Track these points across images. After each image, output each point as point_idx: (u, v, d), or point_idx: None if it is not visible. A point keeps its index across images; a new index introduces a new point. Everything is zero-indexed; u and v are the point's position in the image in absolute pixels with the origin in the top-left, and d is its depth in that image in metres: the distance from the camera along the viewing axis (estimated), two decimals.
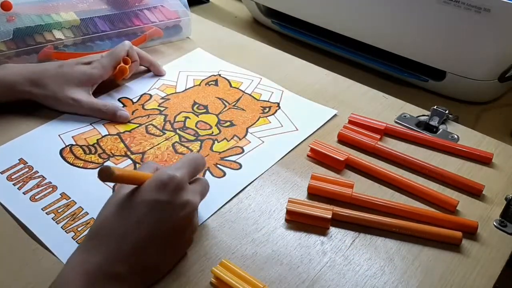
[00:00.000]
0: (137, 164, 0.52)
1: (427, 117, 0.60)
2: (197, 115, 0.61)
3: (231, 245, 0.44)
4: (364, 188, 0.50)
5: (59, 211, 0.46)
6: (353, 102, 0.64)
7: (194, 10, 0.92)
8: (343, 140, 0.57)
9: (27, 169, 0.51)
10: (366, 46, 0.76)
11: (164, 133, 0.57)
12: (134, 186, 0.39)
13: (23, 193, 0.48)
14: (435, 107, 0.60)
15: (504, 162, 0.55)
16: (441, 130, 0.59)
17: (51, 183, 0.49)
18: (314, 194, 0.49)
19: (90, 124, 0.58)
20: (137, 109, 0.61)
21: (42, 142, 0.55)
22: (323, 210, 0.46)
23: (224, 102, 0.63)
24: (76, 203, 0.47)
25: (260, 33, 0.91)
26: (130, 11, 0.73)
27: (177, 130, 0.58)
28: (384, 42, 0.73)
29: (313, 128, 0.59)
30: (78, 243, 0.43)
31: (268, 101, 0.63)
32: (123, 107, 0.61)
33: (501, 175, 0.53)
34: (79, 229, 0.45)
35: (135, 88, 0.65)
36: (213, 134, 0.58)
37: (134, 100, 0.63)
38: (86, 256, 0.37)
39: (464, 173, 0.53)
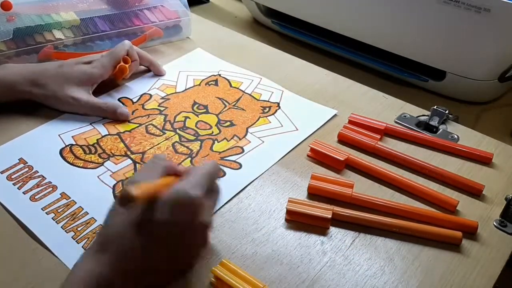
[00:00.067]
0: (137, 164, 0.52)
1: (427, 117, 0.60)
2: (197, 115, 0.61)
3: (231, 245, 0.44)
4: (364, 188, 0.50)
5: (59, 211, 0.46)
6: (353, 102, 0.64)
7: (194, 10, 0.92)
8: (343, 140, 0.57)
9: (27, 169, 0.51)
10: (366, 46, 0.76)
11: (164, 133, 0.57)
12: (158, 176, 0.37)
13: (23, 192, 0.48)
14: (435, 107, 0.60)
15: (504, 162, 0.55)
16: (441, 130, 0.59)
17: (51, 183, 0.49)
18: (314, 194, 0.49)
19: (90, 124, 0.58)
20: (137, 109, 0.61)
21: (42, 142, 0.55)
22: (323, 210, 0.46)
23: (224, 102, 0.63)
24: (76, 203, 0.47)
25: (260, 33, 0.91)
26: (130, 11, 0.73)
27: (177, 130, 0.58)
28: (384, 42, 0.73)
29: (313, 128, 0.59)
30: (78, 243, 0.43)
31: (268, 101, 0.63)
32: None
33: (501, 175, 0.53)
34: (79, 229, 0.45)
35: (135, 88, 0.65)
36: (213, 134, 0.58)
37: (134, 100, 0.63)
38: (94, 263, 0.35)
39: (464, 173, 0.53)
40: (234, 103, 0.63)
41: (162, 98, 0.64)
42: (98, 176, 0.51)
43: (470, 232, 0.45)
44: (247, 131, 0.58)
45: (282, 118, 0.60)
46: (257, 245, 0.44)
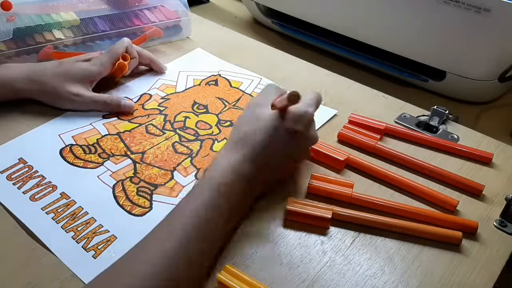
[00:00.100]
0: (137, 164, 0.52)
1: (427, 117, 0.60)
2: (197, 115, 0.61)
3: (231, 245, 0.44)
4: (364, 188, 0.50)
5: (59, 210, 0.46)
6: (353, 102, 0.64)
7: (194, 10, 0.92)
8: (343, 140, 0.57)
9: (27, 168, 0.51)
10: (366, 46, 0.76)
11: (164, 133, 0.57)
12: (272, 105, 0.47)
13: (23, 192, 0.48)
14: (435, 107, 0.60)
15: (504, 162, 0.55)
16: (441, 130, 0.59)
17: (51, 182, 0.49)
18: (314, 194, 0.49)
19: (90, 123, 0.58)
20: (137, 109, 0.61)
21: (42, 142, 0.55)
22: (323, 210, 0.46)
23: (224, 102, 0.63)
24: (76, 202, 0.47)
25: (260, 33, 0.91)
26: (130, 11, 0.73)
27: (177, 130, 0.58)
28: (384, 42, 0.73)
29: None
30: (78, 243, 0.43)
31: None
32: None
33: (501, 175, 0.53)
34: (79, 228, 0.45)
35: (135, 88, 0.65)
36: (213, 134, 0.58)
37: (134, 100, 0.63)
38: (231, 155, 0.45)
39: (464, 173, 0.53)
40: (234, 103, 0.63)
41: (162, 98, 0.64)
42: (98, 176, 0.51)
43: (470, 232, 0.45)
44: None
45: None
46: (257, 245, 0.44)
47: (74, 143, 0.55)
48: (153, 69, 0.69)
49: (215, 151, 0.55)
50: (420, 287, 0.41)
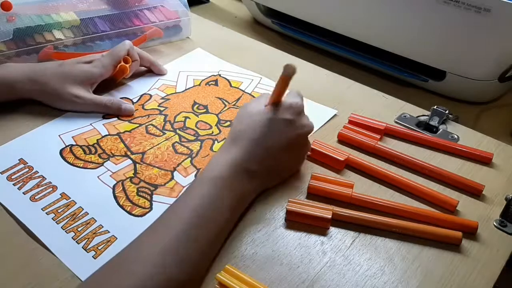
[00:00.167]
0: (137, 164, 0.52)
1: (427, 117, 0.60)
2: (197, 115, 0.61)
3: (230, 245, 0.44)
4: (364, 188, 0.50)
5: (59, 211, 0.46)
6: (353, 102, 0.64)
7: (194, 10, 0.92)
8: (343, 140, 0.57)
9: (27, 169, 0.51)
10: (366, 46, 0.76)
11: (164, 133, 0.57)
12: (263, 104, 0.49)
13: (23, 193, 0.48)
14: (435, 107, 0.60)
15: (504, 162, 0.55)
16: (441, 130, 0.59)
17: (51, 183, 0.49)
18: (314, 194, 0.49)
19: (90, 124, 0.58)
20: (137, 109, 0.61)
21: (42, 142, 0.55)
22: (323, 210, 0.46)
23: (224, 102, 0.63)
24: (76, 203, 0.47)
25: (260, 33, 0.91)
26: (130, 11, 0.73)
27: (177, 130, 0.58)
28: (384, 42, 0.73)
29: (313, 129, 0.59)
30: (78, 243, 0.43)
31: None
32: None
33: (501, 175, 0.53)
34: (79, 229, 0.45)
35: (135, 88, 0.65)
36: (213, 134, 0.58)
37: (134, 100, 0.63)
38: (230, 153, 0.46)
39: (464, 173, 0.53)
40: (234, 103, 0.63)
41: (162, 98, 0.64)
42: (98, 176, 0.51)
43: (470, 232, 0.45)
44: None
45: None
46: (257, 245, 0.44)
47: (74, 143, 0.55)
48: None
49: (215, 151, 0.55)
50: (420, 287, 0.41)
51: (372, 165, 0.52)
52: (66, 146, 0.54)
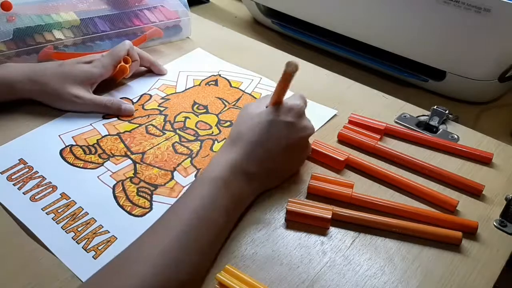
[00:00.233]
0: (137, 164, 0.52)
1: (427, 117, 0.60)
2: (197, 115, 0.61)
3: (230, 245, 0.44)
4: (364, 188, 0.50)
5: (59, 211, 0.46)
6: (353, 102, 0.64)
7: (194, 10, 0.92)
8: (343, 140, 0.57)
9: (27, 169, 0.51)
10: (366, 46, 0.76)
11: (164, 133, 0.57)
12: (264, 106, 0.49)
13: (23, 193, 0.48)
14: (435, 107, 0.60)
15: (504, 162, 0.55)
16: (441, 130, 0.59)
17: (51, 183, 0.49)
18: (314, 194, 0.49)
19: (90, 124, 0.58)
20: (137, 109, 0.61)
21: (42, 142, 0.55)
22: (323, 210, 0.46)
23: (224, 102, 0.63)
24: (76, 203, 0.47)
25: (260, 33, 0.91)
26: (130, 11, 0.73)
27: (177, 130, 0.58)
28: (384, 42, 0.73)
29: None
30: (78, 243, 0.43)
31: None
32: None
33: (501, 175, 0.53)
34: (79, 229, 0.45)
35: (135, 88, 0.65)
36: (213, 134, 0.58)
37: (134, 100, 0.63)
38: (229, 153, 0.46)
39: (464, 173, 0.53)
40: (234, 103, 0.63)
41: (162, 98, 0.64)
42: (98, 177, 0.51)
43: (470, 232, 0.45)
44: None
45: None
46: (257, 245, 0.44)
47: (74, 143, 0.55)
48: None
49: (215, 152, 0.55)
50: (420, 287, 0.41)
51: (372, 165, 0.52)
52: (66, 146, 0.54)
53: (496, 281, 0.42)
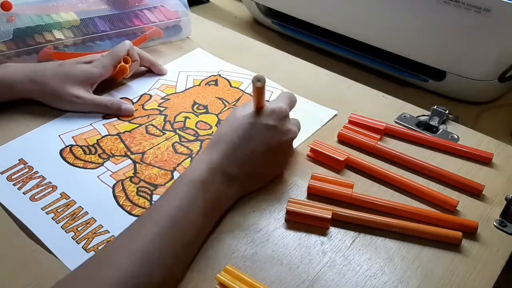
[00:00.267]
0: (137, 164, 0.52)
1: (427, 117, 0.60)
2: (197, 115, 0.61)
3: (230, 245, 0.44)
4: (364, 188, 0.50)
5: (59, 210, 0.46)
6: (353, 102, 0.64)
7: (194, 10, 0.92)
8: (343, 140, 0.57)
9: (27, 169, 0.51)
10: (366, 46, 0.76)
11: (164, 133, 0.57)
12: (250, 110, 0.48)
13: (23, 193, 0.48)
14: (435, 107, 0.60)
15: (504, 162, 0.55)
16: (441, 130, 0.59)
17: (51, 183, 0.49)
18: (314, 194, 0.49)
19: (90, 124, 0.58)
20: (137, 109, 0.61)
21: (42, 143, 0.55)
22: (323, 210, 0.46)
23: (224, 102, 0.63)
24: (76, 203, 0.47)
25: (260, 33, 0.91)
26: (130, 11, 0.73)
27: (177, 130, 0.58)
28: (384, 42, 0.73)
29: (313, 128, 0.59)
30: (78, 243, 0.43)
31: (268, 101, 0.63)
32: None
33: (501, 175, 0.53)
34: (79, 229, 0.45)
35: (135, 88, 0.65)
36: (213, 134, 0.57)
37: (134, 100, 0.63)
38: (210, 155, 0.46)
39: (464, 173, 0.53)
40: (234, 103, 0.63)
41: (162, 98, 0.64)
42: (98, 176, 0.51)
43: (470, 232, 0.45)
44: None
45: None
46: (257, 246, 0.44)
47: (74, 143, 0.55)
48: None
49: None
50: (420, 287, 0.41)
51: (372, 165, 0.52)
52: (66, 146, 0.54)
53: (496, 281, 0.42)
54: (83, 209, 0.47)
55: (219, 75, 0.69)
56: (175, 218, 0.40)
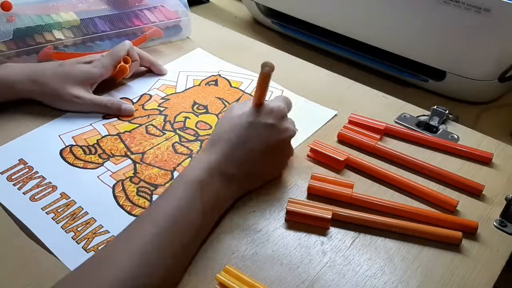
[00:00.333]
0: (137, 164, 0.52)
1: (427, 117, 0.60)
2: (197, 115, 0.61)
3: (231, 245, 0.44)
4: (364, 188, 0.50)
5: (59, 210, 0.46)
6: (353, 102, 0.64)
7: (194, 10, 0.92)
8: (343, 140, 0.57)
9: (27, 169, 0.51)
10: (366, 46, 0.76)
11: (164, 133, 0.57)
12: (247, 108, 0.48)
13: (23, 193, 0.48)
14: (435, 107, 0.60)
15: (504, 162, 0.55)
16: (441, 130, 0.59)
17: (51, 183, 0.49)
18: (314, 194, 0.49)
19: (90, 124, 0.58)
20: (137, 110, 0.61)
21: (42, 143, 0.55)
22: (323, 210, 0.46)
23: (224, 102, 0.63)
24: (76, 203, 0.47)
25: (260, 33, 0.91)
26: (130, 11, 0.73)
27: (177, 130, 0.58)
28: (384, 42, 0.73)
29: (313, 128, 0.59)
30: (78, 243, 0.43)
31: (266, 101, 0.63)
32: None
33: (501, 175, 0.53)
34: (79, 229, 0.45)
35: (135, 88, 0.65)
36: (212, 133, 0.57)
37: (134, 101, 0.63)
38: (208, 155, 0.45)
39: (464, 173, 0.53)
40: (234, 103, 0.63)
41: (162, 98, 0.64)
42: (98, 176, 0.51)
43: (470, 232, 0.45)
44: None
45: None
46: (257, 246, 0.44)
47: (74, 143, 0.55)
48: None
49: None
50: (420, 287, 0.41)
51: (372, 165, 0.52)
52: (66, 146, 0.54)
53: (496, 281, 0.42)
54: (83, 209, 0.47)
55: (219, 75, 0.69)
56: (173, 218, 0.40)
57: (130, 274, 0.35)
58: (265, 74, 0.45)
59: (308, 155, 0.54)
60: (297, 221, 0.46)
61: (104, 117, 0.59)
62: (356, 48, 0.79)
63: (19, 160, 0.52)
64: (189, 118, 0.60)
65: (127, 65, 0.63)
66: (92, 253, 0.42)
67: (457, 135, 0.58)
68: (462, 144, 0.56)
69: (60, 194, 0.48)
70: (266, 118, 0.47)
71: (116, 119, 0.59)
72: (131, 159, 0.53)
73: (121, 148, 0.55)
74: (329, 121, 0.60)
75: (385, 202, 0.48)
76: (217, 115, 0.61)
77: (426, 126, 0.59)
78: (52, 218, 0.46)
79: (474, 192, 0.50)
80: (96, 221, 0.46)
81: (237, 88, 0.66)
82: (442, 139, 0.57)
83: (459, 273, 0.42)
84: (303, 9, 0.81)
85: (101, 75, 0.61)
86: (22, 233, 0.44)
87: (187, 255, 0.41)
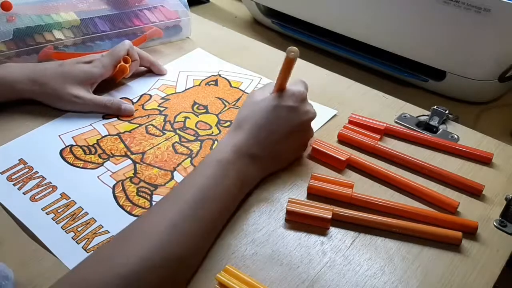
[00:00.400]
0: (137, 164, 0.52)
1: (427, 117, 0.60)
2: (197, 115, 0.61)
3: (231, 245, 0.44)
4: (364, 188, 0.50)
5: (59, 211, 0.46)
6: (353, 102, 0.64)
7: (194, 10, 0.92)
8: (343, 140, 0.57)
9: (27, 169, 0.51)
10: (366, 46, 0.76)
11: (164, 133, 0.57)
12: (268, 93, 0.51)
13: (23, 193, 0.48)
14: (435, 107, 0.60)
15: (504, 162, 0.55)
16: (441, 130, 0.59)
17: (51, 183, 0.49)
18: (314, 194, 0.49)
19: (90, 124, 0.58)
20: (137, 109, 0.61)
21: (42, 143, 0.55)
22: (323, 210, 0.46)
23: (224, 102, 0.63)
24: (76, 203, 0.47)
25: (260, 33, 0.91)
26: (130, 11, 0.73)
27: (177, 130, 0.58)
28: (384, 42, 0.73)
29: (313, 128, 0.58)
30: (78, 243, 0.43)
31: None
32: None
33: (501, 175, 0.53)
34: (79, 229, 0.45)
35: (135, 88, 0.65)
36: (213, 134, 0.58)
37: (134, 100, 0.63)
38: (234, 137, 0.48)
39: (464, 173, 0.53)
40: (234, 103, 0.63)
41: (162, 98, 0.64)
42: (98, 177, 0.51)
43: (470, 232, 0.45)
44: None
45: None
46: (257, 246, 0.44)
47: (74, 143, 0.55)
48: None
49: None
50: (420, 287, 0.41)
51: (372, 165, 0.52)
52: (66, 146, 0.54)
53: (496, 281, 0.42)
54: (83, 209, 0.47)
55: (219, 75, 0.69)
56: (201, 194, 0.42)
57: (161, 242, 0.37)
58: (290, 60, 0.47)
59: (309, 155, 0.54)
60: (297, 221, 0.46)
61: (104, 117, 0.59)
62: (356, 48, 0.79)
63: (19, 160, 0.52)
64: (189, 118, 0.60)
65: (127, 65, 0.63)
66: (92, 253, 0.42)
67: (457, 135, 0.58)
68: (462, 144, 0.56)
69: (60, 194, 0.48)
70: (288, 102, 0.49)
71: (116, 119, 0.59)
72: (131, 159, 0.53)
73: (121, 148, 0.55)
74: (329, 121, 0.60)
75: (385, 202, 0.48)
76: (217, 115, 0.61)
77: (426, 126, 0.59)
78: (52, 218, 0.46)
79: (474, 192, 0.50)
80: (96, 221, 0.46)
81: (237, 88, 0.66)
82: (442, 139, 0.57)
83: (459, 273, 0.42)
84: (303, 9, 0.81)
85: (101, 75, 0.61)
86: (22, 233, 0.44)
87: (215, 229, 0.43)
